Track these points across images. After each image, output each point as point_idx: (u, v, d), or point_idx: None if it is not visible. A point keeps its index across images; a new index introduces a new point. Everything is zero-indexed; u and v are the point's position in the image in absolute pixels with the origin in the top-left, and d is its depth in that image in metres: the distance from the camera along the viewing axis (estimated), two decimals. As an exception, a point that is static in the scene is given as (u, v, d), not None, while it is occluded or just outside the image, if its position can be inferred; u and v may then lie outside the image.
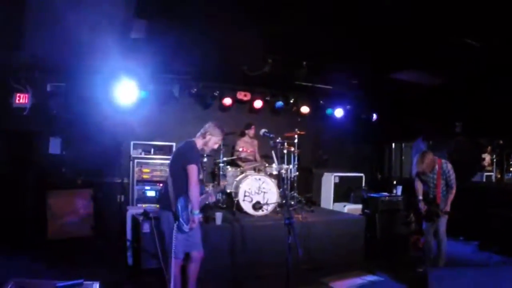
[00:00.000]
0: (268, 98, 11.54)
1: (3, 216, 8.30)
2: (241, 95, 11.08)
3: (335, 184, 10.99)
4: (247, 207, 8.31)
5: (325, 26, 6.95)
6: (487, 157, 11.94)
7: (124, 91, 9.12)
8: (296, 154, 9.84)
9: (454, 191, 7.20)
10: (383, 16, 6.36)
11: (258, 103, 11.29)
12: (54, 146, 9.50)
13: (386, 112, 12.53)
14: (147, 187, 9.64)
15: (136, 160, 9.70)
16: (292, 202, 9.17)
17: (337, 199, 10.82)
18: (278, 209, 8.65)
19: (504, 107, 9.24)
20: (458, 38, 7.09)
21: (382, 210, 8.89)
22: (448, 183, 7.26)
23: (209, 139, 5.55)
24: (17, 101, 8.54)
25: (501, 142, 11.89)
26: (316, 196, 11.42)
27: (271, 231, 7.46)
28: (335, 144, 12.91)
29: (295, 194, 9.56)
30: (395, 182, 11.61)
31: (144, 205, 8.79)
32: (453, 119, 10.89)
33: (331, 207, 10.62)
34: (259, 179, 8.51)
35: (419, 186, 7.55)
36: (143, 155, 9.86)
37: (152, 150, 10.04)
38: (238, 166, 9.87)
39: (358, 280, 7.28)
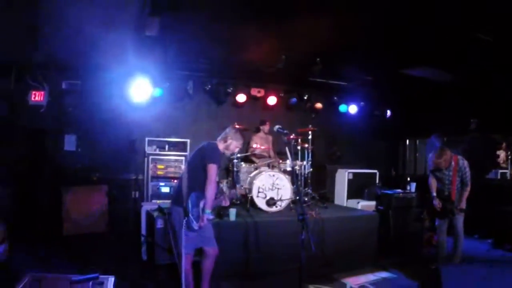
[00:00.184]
0: (282, 95, 11.56)
1: (19, 212, 8.39)
2: (255, 92, 11.11)
3: (349, 180, 10.93)
4: (261, 203, 8.32)
5: (341, 23, 6.94)
6: (501, 154, 11.83)
7: (139, 88, 9.21)
8: (310, 150, 9.85)
9: (469, 188, 7.16)
10: (397, 12, 6.36)
11: (272, 100, 11.31)
12: (69, 143, 9.59)
13: (400, 109, 12.49)
14: (162, 183, 9.70)
15: (150, 157, 9.76)
16: (306, 199, 9.16)
17: (350, 195, 10.77)
18: (291, 205, 8.63)
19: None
20: (472, 33, 7.04)
21: (395, 206, 8.86)
22: (464, 180, 7.21)
23: (230, 143, 5.70)
24: (33, 99, 8.64)
25: (516, 139, 11.79)
26: (330, 193, 11.38)
27: (284, 227, 7.46)
28: (349, 140, 12.91)
29: (308, 190, 9.55)
30: (409, 179, 11.53)
31: (158, 201, 8.83)
32: (468, 115, 10.82)
33: (344, 204, 10.58)
34: (273, 175, 8.52)
35: (433, 183, 7.51)
36: (157, 152, 9.91)
37: (167, 147, 10.08)
38: (252, 162, 9.89)
39: (371, 277, 7.28)
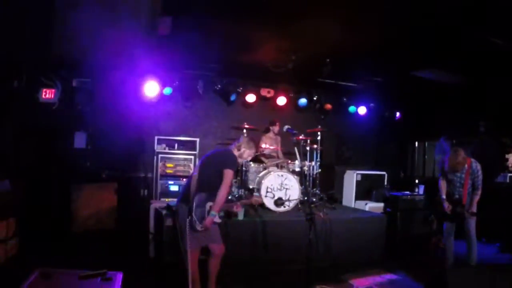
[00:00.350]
0: (291, 95, 11.58)
1: (29, 208, 8.45)
2: (264, 92, 11.14)
3: (357, 181, 10.93)
4: (269, 203, 8.34)
5: (351, 23, 6.95)
6: (510, 158, 11.77)
7: (149, 87, 9.27)
8: (318, 151, 9.87)
9: (480, 192, 7.07)
10: (409, 12, 6.36)
11: (281, 100, 11.34)
12: (79, 141, 9.63)
13: (409, 111, 12.47)
14: (171, 182, 9.74)
15: (160, 155, 9.80)
16: (314, 199, 9.18)
17: (359, 197, 10.77)
18: (299, 205, 8.64)
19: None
20: (482, 35, 7.03)
21: (403, 209, 8.87)
22: (475, 183, 7.12)
23: (244, 151, 5.77)
24: (43, 97, 8.69)
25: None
26: (338, 194, 11.39)
27: (292, 227, 7.49)
28: (357, 141, 12.91)
29: (317, 191, 9.57)
30: (417, 181, 11.53)
31: (167, 200, 8.89)
32: (477, 118, 10.78)
33: (352, 205, 10.58)
34: (282, 175, 8.55)
35: (443, 185, 7.42)
36: (167, 150, 9.96)
37: (176, 145, 10.14)
38: (261, 162, 9.91)
39: (378, 278, 7.27)
